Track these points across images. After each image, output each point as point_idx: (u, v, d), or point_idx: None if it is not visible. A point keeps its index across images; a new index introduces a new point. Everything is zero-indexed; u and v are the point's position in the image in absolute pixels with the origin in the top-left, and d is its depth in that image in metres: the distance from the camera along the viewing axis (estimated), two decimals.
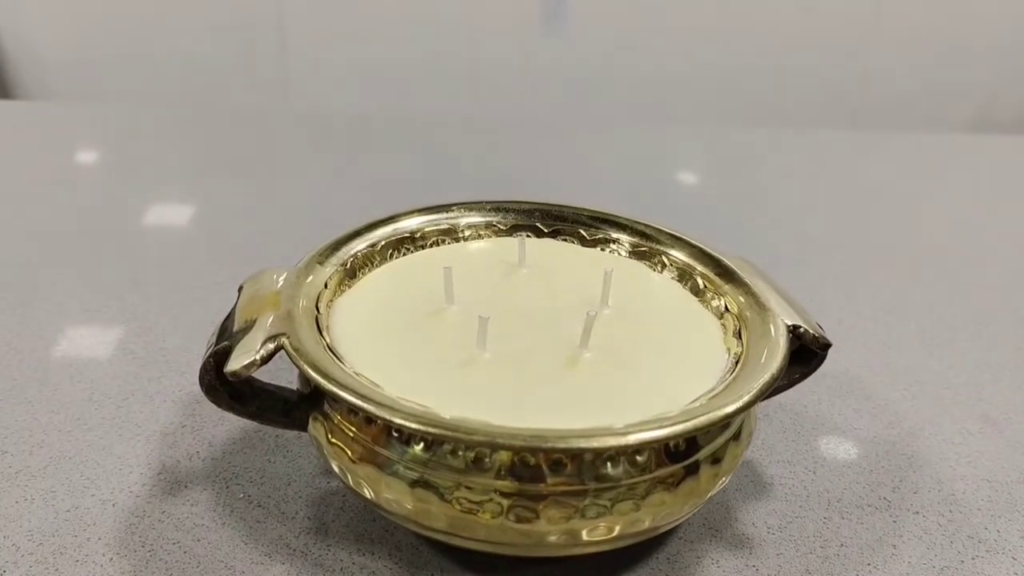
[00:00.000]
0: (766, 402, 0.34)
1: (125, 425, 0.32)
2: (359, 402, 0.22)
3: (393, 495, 0.24)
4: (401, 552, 0.27)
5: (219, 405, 0.27)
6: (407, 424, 0.22)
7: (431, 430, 0.22)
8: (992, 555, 0.28)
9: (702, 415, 0.23)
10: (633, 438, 0.22)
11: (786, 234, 0.53)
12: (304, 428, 0.28)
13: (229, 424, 0.33)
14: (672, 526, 0.26)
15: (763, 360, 0.26)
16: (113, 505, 0.29)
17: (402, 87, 1.34)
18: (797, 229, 0.54)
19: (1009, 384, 0.38)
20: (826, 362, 0.29)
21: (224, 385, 0.27)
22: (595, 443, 0.22)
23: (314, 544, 0.27)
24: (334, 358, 0.25)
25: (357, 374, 0.24)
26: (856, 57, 1.35)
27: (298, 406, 0.28)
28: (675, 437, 0.22)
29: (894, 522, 0.30)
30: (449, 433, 0.22)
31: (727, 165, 0.66)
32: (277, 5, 1.32)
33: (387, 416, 0.22)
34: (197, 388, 0.34)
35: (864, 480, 0.32)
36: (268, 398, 0.28)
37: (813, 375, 0.30)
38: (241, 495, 0.29)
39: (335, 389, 0.23)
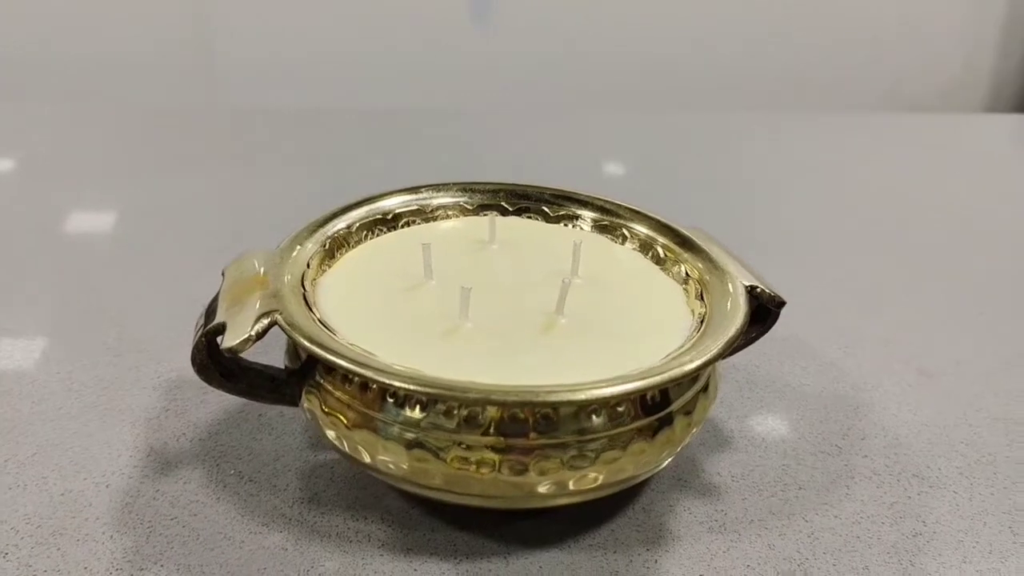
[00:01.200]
0: (722, 363, 0.37)
1: (108, 412, 0.33)
2: (359, 369, 0.24)
3: (390, 457, 0.25)
4: (392, 516, 0.29)
5: (210, 383, 0.28)
6: (407, 387, 0.23)
7: (430, 391, 0.23)
8: (935, 490, 0.31)
9: (677, 368, 0.25)
10: (616, 389, 0.24)
11: (724, 214, 0.55)
12: (293, 403, 0.29)
13: (212, 406, 0.33)
14: (650, 475, 0.27)
15: (726, 318, 0.28)
16: (107, 487, 0.29)
17: (329, 81, 1.34)
18: (733, 209, 0.56)
19: (941, 340, 0.41)
20: (774, 326, 0.31)
21: (215, 364, 0.28)
22: (581, 396, 0.23)
23: (308, 513, 0.29)
24: (327, 331, 0.26)
25: (351, 345, 0.26)
26: (776, 44, 1.40)
27: (287, 382, 0.29)
28: (654, 387, 0.24)
29: (845, 465, 0.32)
30: (447, 393, 0.23)
31: (659, 151, 0.68)
32: (202, 2, 1.30)
33: (387, 380, 0.23)
34: (175, 374, 0.35)
35: (816, 430, 0.34)
36: (256, 376, 0.29)
37: (763, 338, 0.33)
38: (232, 472, 0.30)
39: (333, 358, 0.24)
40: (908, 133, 0.75)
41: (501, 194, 0.36)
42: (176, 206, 0.52)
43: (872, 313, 0.43)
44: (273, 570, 0.26)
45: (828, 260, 0.49)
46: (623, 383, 0.24)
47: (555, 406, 0.24)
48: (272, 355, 0.30)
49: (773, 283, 0.30)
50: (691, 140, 0.70)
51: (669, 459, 0.27)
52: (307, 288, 0.29)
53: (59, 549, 0.27)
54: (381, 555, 0.27)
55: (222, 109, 1.05)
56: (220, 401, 0.34)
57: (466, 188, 0.36)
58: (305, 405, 0.28)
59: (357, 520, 0.29)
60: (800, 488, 0.31)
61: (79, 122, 0.68)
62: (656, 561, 0.28)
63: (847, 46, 1.41)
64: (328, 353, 0.24)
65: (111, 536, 0.27)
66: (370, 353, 0.25)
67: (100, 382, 0.35)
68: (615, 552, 0.28)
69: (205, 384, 0.33)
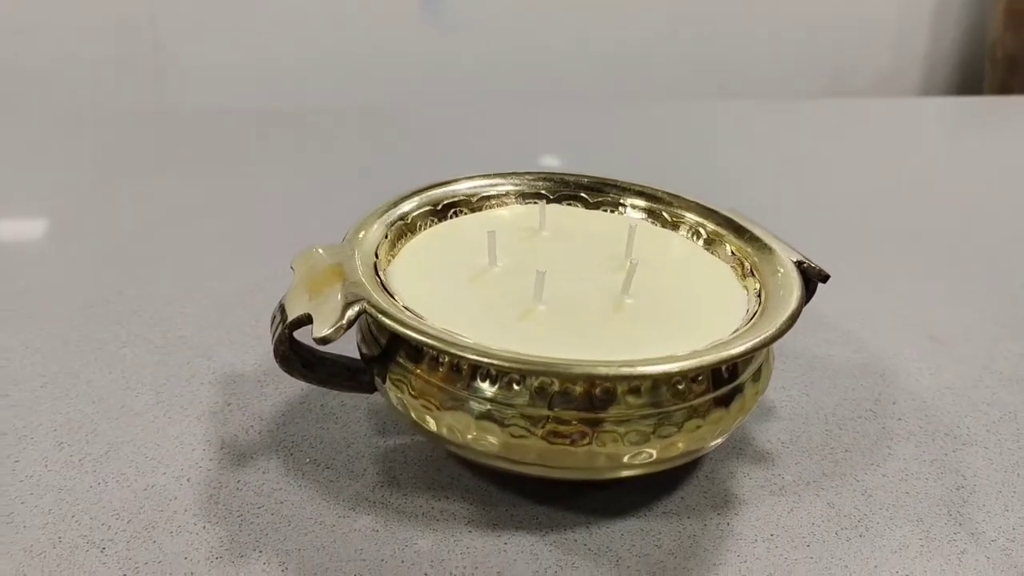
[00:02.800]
0: None
1: (171, 408, 0.33)
2: (461, 352, 0.25)
3: (484, 436, 0.26)
4: (472, 494, 0.30)
5: (292, 374, 0.29)
6: (511, 366, 0.24)
7: (535, 369, 0.24)
8: (967, 447, 0.33)
9: (755, 339, 0.26)
10: (705, 360, 0.25)
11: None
12: (369, 390, 0.30)
13: (272, 398, 0.34)
14: (721, 442, 0.29)
15: (782, 292, 0.29)
16: (188, 480, 0.30)
17: (281, 82, 1.33)
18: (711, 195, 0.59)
19: (947, 308, 0.43)
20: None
21: (296, 355, 0.29)
22: (675, 367, 0.25)
23: (390, 496, 0.30)
24: (416, 317, 0.27)
25: (444, 329, 0.27)
26: (722, 31, 1.43)
27: (364, 370, 0.30)
28: (737, 358, 0.26)
29: (883, 428, 0.34)
30: (550, 370, 0.24)
31: (600, 142, 0.70)
32: (149, 3, 1.28)
33: (492, 361, 0.24)
34: (228, 369, 0.36)
35: (849, 396, 0.36)
36: (332, 365, 0.30)
37: None
38: (307, 460, 0.31)
39: (430, 341, 0.25)
40: (854, 119, 0.78)
41: (541, 182, 0.37)
42: (179, 210, 0.52)
43: (879, 287, 0.45)
44: (369, 551, 0.27)
45: (826, 242, 0.51)
46: (710, 354, 0.25)
47: (652, 378, 0.25)
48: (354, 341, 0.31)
49: None
50: (637, 130, 0.72)
51: (739, 426, 0.29)
52: (381, 277, 0.30)
53: (155, 542, 0.27)
54: (469, 532, 0.28)
55: (207, 111, 1.03)
56: (280, 393, 0.34)
57: (506, 177, 0.37)
58: (389, 390, 0.28)
59: (439, 500, 0.30)
60: (846, 450, 0.33)
61: (61, 127, 0.67)
62: (728, 524, 0.29)
63: (784, 36, 1.44)
64: (425, 336, 0.25)
65: (204, 527, 0.28)
66: (462, 336, 0.26)
67: (156, 379, 0.35)
68: (689, 517, 0.29)
69: (261, 377, 0.34)
